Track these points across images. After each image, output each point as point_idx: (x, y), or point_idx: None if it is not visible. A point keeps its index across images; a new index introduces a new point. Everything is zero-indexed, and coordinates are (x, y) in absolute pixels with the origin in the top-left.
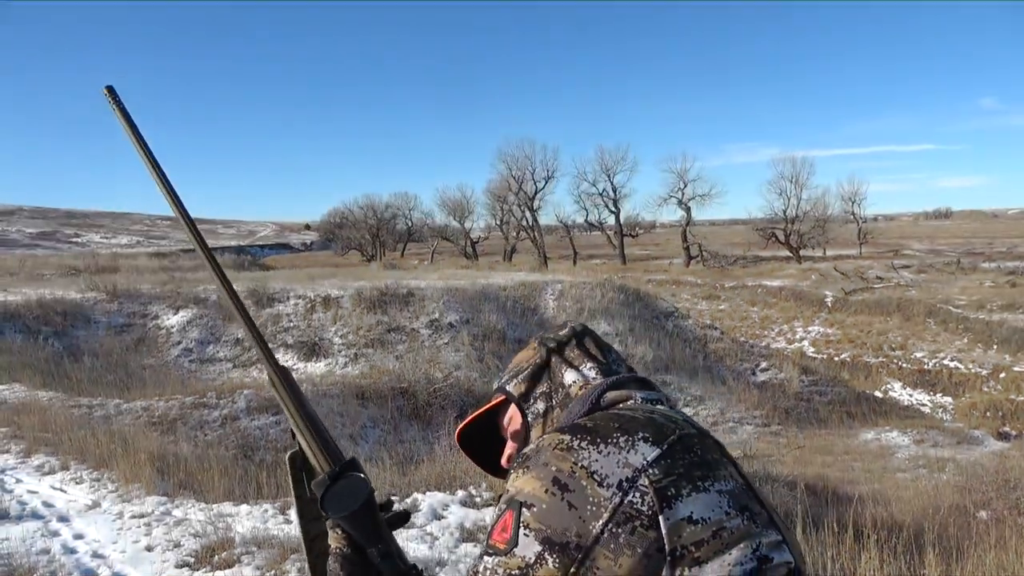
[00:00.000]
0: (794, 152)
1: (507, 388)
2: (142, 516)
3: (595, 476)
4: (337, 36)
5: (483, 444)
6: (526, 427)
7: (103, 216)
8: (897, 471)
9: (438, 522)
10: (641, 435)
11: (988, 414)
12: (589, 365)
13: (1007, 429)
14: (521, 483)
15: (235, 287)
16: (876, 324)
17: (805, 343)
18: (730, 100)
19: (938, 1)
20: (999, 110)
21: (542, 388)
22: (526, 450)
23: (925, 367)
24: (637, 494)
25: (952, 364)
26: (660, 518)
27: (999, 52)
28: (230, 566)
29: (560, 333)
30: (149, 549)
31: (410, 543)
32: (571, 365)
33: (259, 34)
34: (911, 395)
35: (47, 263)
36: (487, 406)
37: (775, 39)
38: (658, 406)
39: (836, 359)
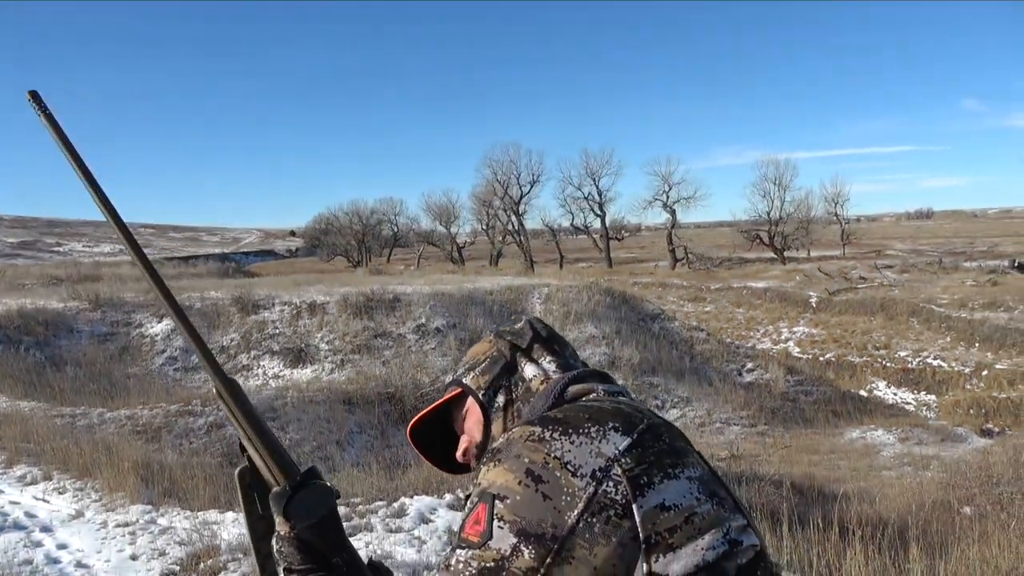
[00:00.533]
0: (778, 154)
1: (464, 381)
2: (127, 525)
3: (568, 467)
4: (321, 44)
5: (435, 439)
6: (486, 420)
7: (85, 225)
8: (882, 469)
9: (426, 526)
10: (611, 424)
11: (971, 411)
12: (548, 359)
13: (990, 426)
14: (493, 476)
15: (219, 294)
16: (860, 324)
17: (790, 343)
18: (714, 103)
19: (919, 3)
20: (981, 111)
21: (501, 381)
22: (496, 444)
23: (909, 366)
24: (611, 483)
25: (935, 362)
26: (634, 507)
27: (981, 54)
28: (216, 574)
29: (516, 327)
30: (134, 558)
31: (398, 547)
32: (530, 358)
33: (242, 42)
34: (895, 394)
35: (28, 272)
36: (443, 399)
37: (758, 42)
38: (620, 397)
39: (821, 359)
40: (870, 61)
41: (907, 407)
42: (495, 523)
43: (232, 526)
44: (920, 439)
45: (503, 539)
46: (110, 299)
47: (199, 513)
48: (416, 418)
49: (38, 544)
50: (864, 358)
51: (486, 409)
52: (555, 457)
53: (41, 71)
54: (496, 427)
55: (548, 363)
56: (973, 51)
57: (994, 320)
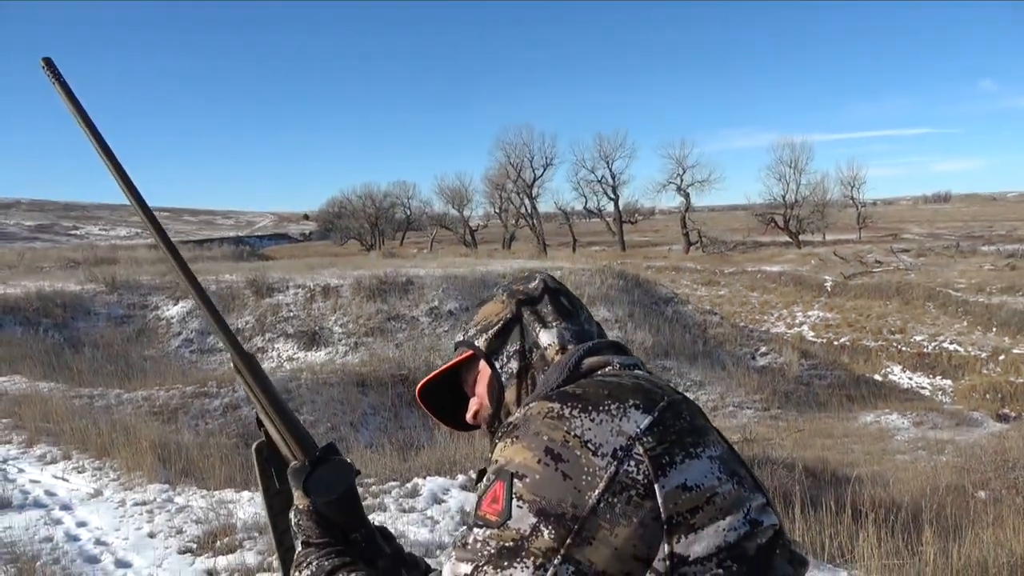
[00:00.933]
0: (793, 137)
1: (476, 344)
2: (144, 503)
3: (589, 445)
4: (335, 26)
5: (445, 400)
6: (499, 386)
7: (101, 208)
8: (896, 453)
9: (438, 506)
10: (632, 402)
11: (987, 396)
12: (563, 324)
13: (1006, 411)
14: (511, 453)
15: (234, 277)
16: (875, 308)
17: (804, 327)
18: (728, 84)
19: None
20: (998, 92)
21: (514, 345)
22: (512, 419)
23: (924, 350)
24: (632, 463)
25: (951, 347)
26: (656, 487)
27: (997, 34)
28: (232, 551)
29: (530, 286)
30: (151, 536)
31: (411, 527)
32: (544, 323)
33: (256, 25)
34: (910, 378)
35: (46, 256)
36: (453, 361)
37: (772, 23)
38: (637, 371)
39: (835, 343)
40: (885, 42)
41: (922, 391)
42: (514, 502)
43: (248, 505)
44: (935, 423)
45: (522, 519)
46: (126, 282)
47: (215, 492)
48: (426, 379)
49: (58, 522)
50: (879, 342)
51: (498, 375)
52: (575, 435)
53: (52, 49)
54: (509, 394)
55: (564, 329)
56: (988, 32)
57: (1012, 305)
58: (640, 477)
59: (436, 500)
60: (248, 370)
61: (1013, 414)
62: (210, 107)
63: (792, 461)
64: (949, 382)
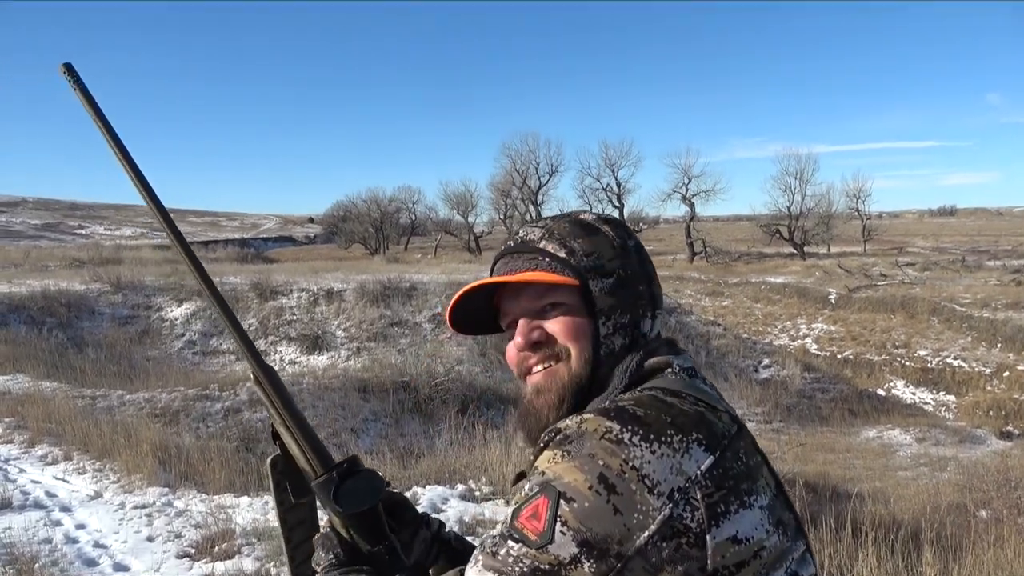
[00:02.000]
0: (799, 148)
1: (589, 281)
2: (144, 507)
3: (646, 480)
4: (341, 30)
5: (477, 312)
6: (594, 359)
7: (107, 208)
8: (898, 469)
9: (437, 516)
10: (695, 436)
11: (991, 413)
12: (661, 310)
13: (1010, 428)
14: (560, 469)
15: (238, 279)
16: (880, 322)
17: (808, 340)
18: (734, 94)
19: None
20: (1005, 106)
21: (627, 316)
22: (565, 427)
23: (928, 365)
24: (688, 508)
25: (955, 362)
26: (707, 537)
27: (1004, 48)
28: (230, 557)
29: (629, 243)
30: (150, 539)
31: None
32: (655, 305)
33: (264, 29)
34: (914, 393)
35: (51, 255)
36: (545, 276)
37: (779, 33)
38: (697, 382)
39: (839, 356)
40: (892, 55)
41: (925, 407)
42: (557, 525)
43: (247, 511)
44: (938, 440)
45: (564, 546)
46: (131, 282)
47: (215, 497)
48: (493, 279)
49: (57, 523)
50: (883, 356)
51: (599, 344)
52: (633, 467)
53: (61, 48)
54: (602, 374)
55: (660, 317)
56: (995, 46)
57: (1017, 320)
58: (693, 525)
59: (435, 509)
60: (268, 381)
61: (1017, 432)
62: (217, 109)
63: (793, 476)
64: (952, 398)
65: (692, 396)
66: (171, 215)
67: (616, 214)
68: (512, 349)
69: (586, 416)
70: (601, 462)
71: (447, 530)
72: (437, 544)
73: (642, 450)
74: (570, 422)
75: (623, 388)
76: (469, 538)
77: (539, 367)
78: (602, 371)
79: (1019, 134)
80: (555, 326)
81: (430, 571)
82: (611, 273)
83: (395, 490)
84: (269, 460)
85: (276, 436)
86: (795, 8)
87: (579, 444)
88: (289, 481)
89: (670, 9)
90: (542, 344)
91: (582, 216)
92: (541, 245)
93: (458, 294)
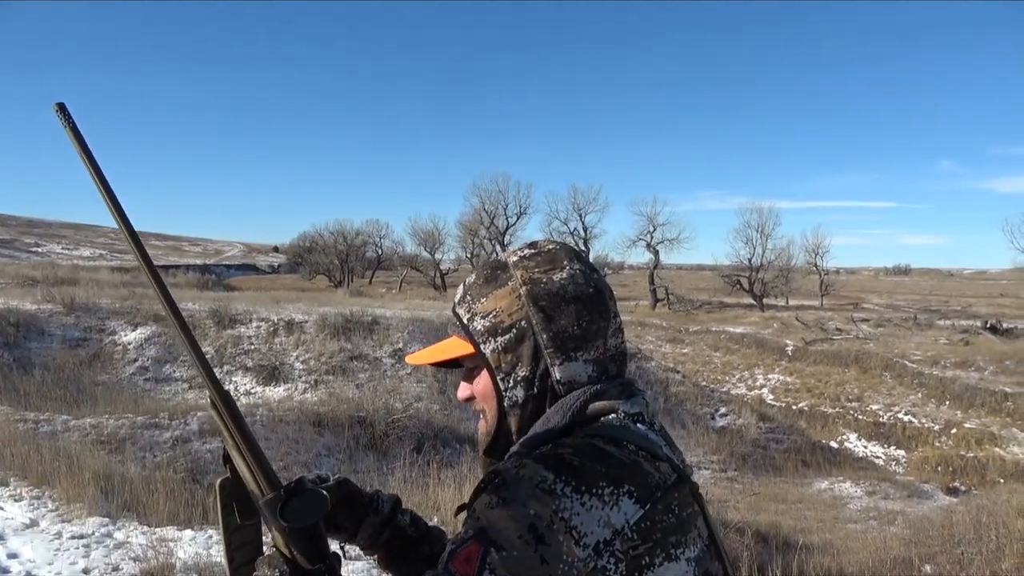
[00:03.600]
0: (761, 202)
1: (484, 351)
2: (82, 537)
3: (574, 532)
4: (310, 62)
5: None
6: (499, 413)
7: (66, 227)
8: (848, 522)
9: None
10: (627, 488)
11: (939, 468)
12: (586, 355)
13: (956, 484)
14: (495, 517)
15: (196, 306)
16: (834, 375)
17: (765, 390)
18: (702, 148)
19: (894, 67)
20: (958, 173)
21: (524, 371)
22: (506, 473)
23: (880, 419)
24: (612, 560)
25: (906, 418)
26: None
27: (956, 117)
28: None
29: (555, 279)
30: (86, 572)
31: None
32: (564, 352)
33: (233, 57)
34: (866, 447)
35: (3, 271)
36: (454, 355)
37: (744, 92)
38: (642, 428)
39: (794, 407)
40: (852, 118)
41: (876, 461)
42: (486, 573)
43: (189, 544)
44: (887, 494)
45: None
46: (85, 304)
47: (157, 529)
48: (418, 360)
49: None
50: (836, 409)
51: (501, 398)
52: (562, 517)
53: (18, 72)
54: (512, 422)
55: (584, 363)
56: (949, 114)
57: (965, 379)
58: None
59: None
60: (225, 407)
61: (963, 488)
62: (181, 133)
63: (744, 525)
64: (903, 452)
65: (633, 445)
66: (116, 237)
67: None
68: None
69: (525, 461)
70: (532, 511)
71: (403, 512)
72: (389, 529)
73: (572, 501)
74: (510, 464)
75: (563, 427)
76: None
77: (478, 416)
78: (507, 422)
79: (971, 200)
80: (477, 386)
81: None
82: (509, 329)
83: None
84: (219, 481)
85: (227, 459)
86: (758, 72)
87: (514, 491)
88: (236, 503)
89: (641, 63)
90: (469, 401)
91: (505, 259)
92: (458, 311)
93: (413, 362)
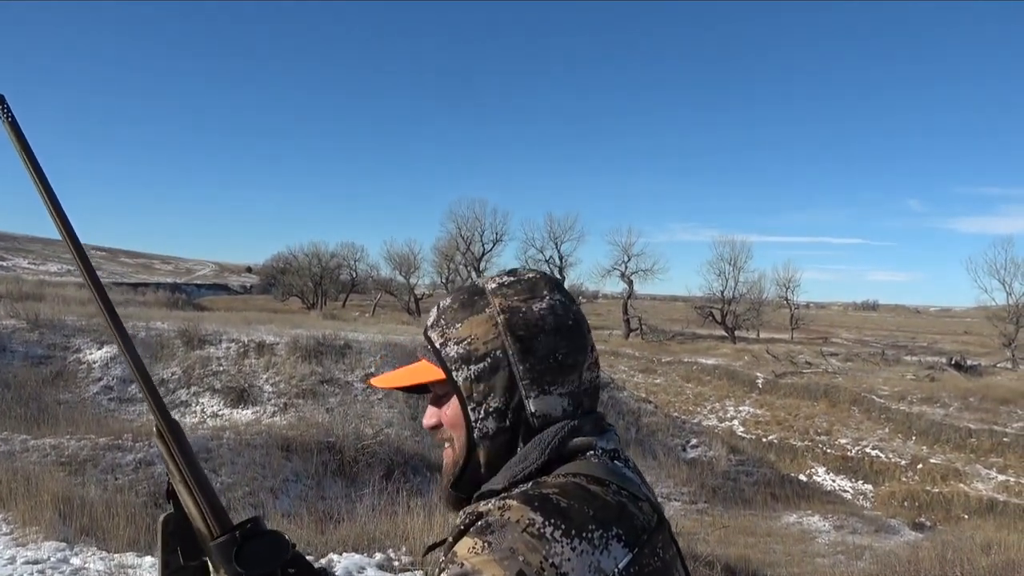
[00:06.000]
0: (734, 235)
1: (456, 378)
2: (36, 562)
3: None
4: (291, 84)
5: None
6: (468, 443)
7: (34, 241)
8: (816, 556)
9: None
10: (615, 531)
11: (905, 503)
12: (561, 390)
13: (923, 520)
14: (480, 563)
15: (165, 325)
16: (804, 408)
17: (735, 422)
18: (678, 180)
19: (861, 104)
20: (923, 211)
21: (496, 401)
22: (489, 516)
23: (848, 453)
24: None
25: (874, 452)
26: None
27: (922, 157)
28: None
29: (534, 309)
30: None
31: None
32: (539, 385)
33: (208, 73)
34: (834, 480)
35: None
36: (421, 380)
37: (718, 126)
38: (619, 466)
39: (764, 440)
40: (822, 155)
41: (844, 494)
42: None
43: (149, 572)
44: (855, 528)
45: None
46: (50, 321)
47: (116, 555)
48: (383, 383)
49: None
50: (806, 442)
51: (470, 429)
52: (552, 564)
53: None
54: (481, 455)
55: (560, 397)
56: (915, 154)
57: (930, 415)
58: None
59: None
60: (173, 437)
61: (928, 523)
62: (155, 148)
63: (713, 559)
64: (870, 487)
65: (615, 484)
66: (96, 255)
67: None
68: (424, 420)
69: (510, 502)
70: (521, 558)
71: None
72: None
73: (563, 546)
74: (492, 506)
75: (542, 465)
76: None
77: (443, 444)
78: (476, 453)
79: (937, 239)
80: (445, 413)
81: None
82: (483, 358)
83: (304, 554)
84: (161, 518)
85: (172, 494)
86: (728, 105)
87: (501, 535)
88: (180, 542)
89: (618, 94)
90: (436, 429)
91: (483, 285)
92: (430, 335)
93: (379, 384)
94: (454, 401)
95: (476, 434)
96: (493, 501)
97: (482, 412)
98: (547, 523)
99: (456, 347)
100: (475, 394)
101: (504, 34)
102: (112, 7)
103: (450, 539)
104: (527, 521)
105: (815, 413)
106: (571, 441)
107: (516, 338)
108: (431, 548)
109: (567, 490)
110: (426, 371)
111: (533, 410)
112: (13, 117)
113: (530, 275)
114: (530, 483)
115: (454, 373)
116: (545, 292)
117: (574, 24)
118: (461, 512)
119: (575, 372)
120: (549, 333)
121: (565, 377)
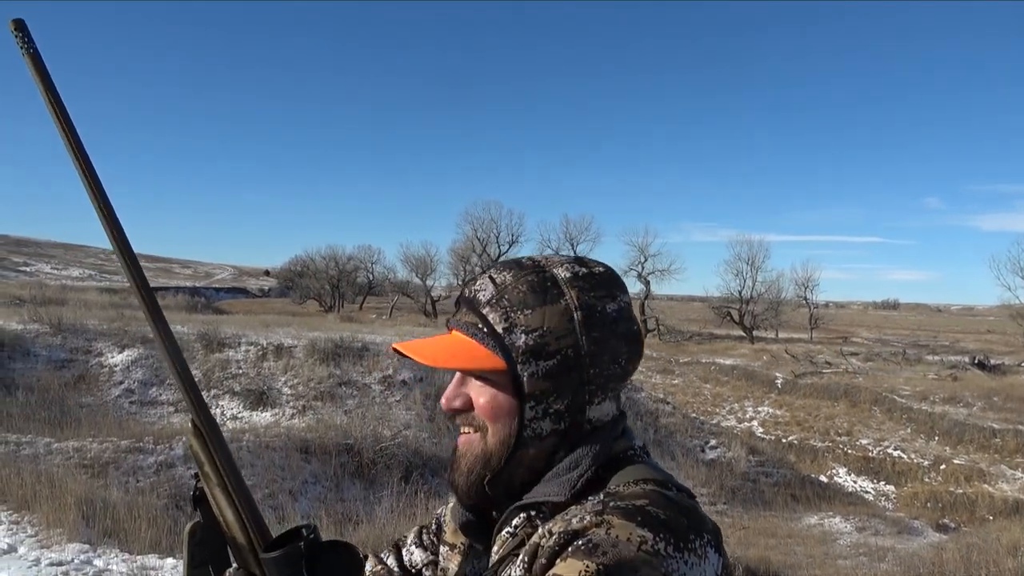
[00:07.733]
0: (751, 235)
1: (522, 374)
2: (60, 564)
3: None
4: (308, 87)
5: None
6: (515, 441)
7: (55, 247)
8: (838, 558)
9: None
10: (707, 537)
11: (928, 504)
12: (617, 393)
13: (946, 521)
14: None
15: (185, 328)
16: (824, 408)
17: (754, 423)
18: (693, 181)
19: (877, 104)
20: (942, 209)
21: (560, 403)
22: (593, 535)
23: (870, 454)
24: None
25: (895, 453)
26: None
27: (941, 155)
28: None
29: (608, 308)
30: None
31: None
32: (606, 389)
33: (226, 78)
34: (855, 481)
35: None
36: (472, 367)
37: (733, 125)
38: (656, 462)
39: (784, 441)
40: (839, 153)
41: (866, 496)
42: None
43: (171, 574)
44: (877, 529)
45: None
46: (73, 325)
47: (138, 557)
48: (409, 351)
49: None
50: (826, 443)
51: (523, 427)
52: None
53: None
54: (526, 455)
55: (612, 398)
56: (934, 152)
57: (953, 415)
58: None
59: None
60: (212, 436)
61: (952, 525)
62: (175, 157)
63: (734, 561)
64: (892, 488)
65: (674, 486)
66: (115, 259)
67: None
68: (443, 398)
69: (610, 518)
70: None
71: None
72: None
73: (677, 561)
74: (588, 522)
75: (596, 471)
76: None
77: (463, 428)
78: (522, 452)
79: (957, 237)
80: (479, 398)
81: None
82: (554, 354)
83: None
84: (187, 527)
85: (199, 499)
86: (744, 104)
87: (615, 555)
88: (209, 554)
89: (631, 99)
90: (460, 413)
91: (554, 271)
92: (484, 312)
93: (398, 350)
94: (498, 390)
95: (528, 432)
96: (587, 517)
97: (540, 412)
98: (658, 538)
99: (526, 337)
100: (537, 392)
101: (519, 38)
102: (127, 7)
103: (543, 560)
104: (639, 538)
105: (835, 413)
106: (616, 445)
107: (592, 339)
108: (498, 565)
109: (655, 500)
110: (470, 352)
111: (591, 416)
112: (35, 49)
113: (600, 269)
114: (601, 494)
115: (520, 367)
116: (617, 293)
117: (590, 27)
118: (532, 527)
119: (628, 379)
120: (620, 338)
121: (622, 383)
